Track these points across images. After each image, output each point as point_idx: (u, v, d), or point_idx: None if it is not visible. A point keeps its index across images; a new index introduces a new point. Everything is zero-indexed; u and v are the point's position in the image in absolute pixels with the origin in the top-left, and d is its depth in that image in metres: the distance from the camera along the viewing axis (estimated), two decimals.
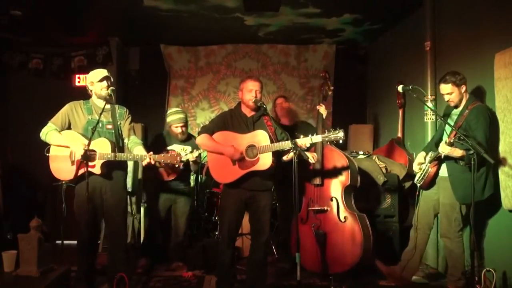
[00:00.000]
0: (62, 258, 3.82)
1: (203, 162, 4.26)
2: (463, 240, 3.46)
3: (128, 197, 4.93)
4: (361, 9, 4.95)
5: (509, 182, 3.17)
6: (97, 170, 3.30)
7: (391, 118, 5.40)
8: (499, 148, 3.27)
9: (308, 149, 3.97)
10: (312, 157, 3.68)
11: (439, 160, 3.45)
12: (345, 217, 3.68)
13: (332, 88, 4.06)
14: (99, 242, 4.32)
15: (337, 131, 3.09)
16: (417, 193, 3.69)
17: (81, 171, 3.25)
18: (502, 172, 3.24)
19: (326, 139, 3.13)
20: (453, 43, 4.04)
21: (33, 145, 3.66)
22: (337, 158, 3.83)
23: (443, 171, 3.48)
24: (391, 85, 4.98)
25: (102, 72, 3.46)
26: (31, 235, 3.02)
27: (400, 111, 5.04)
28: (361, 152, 4.85)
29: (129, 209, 5.00)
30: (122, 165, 3.54)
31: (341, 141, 3.16)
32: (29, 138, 3.66)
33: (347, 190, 3.78)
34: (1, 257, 3.11)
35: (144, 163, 3.33)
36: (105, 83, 3.40)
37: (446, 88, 3.39)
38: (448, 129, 3.50)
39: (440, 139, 3.58)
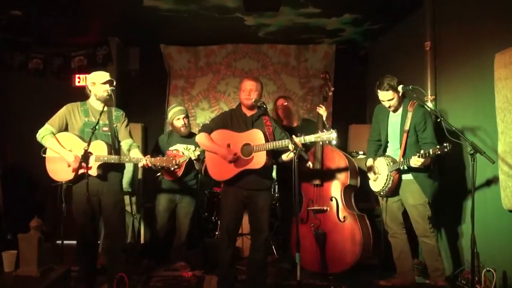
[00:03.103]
0: (62, 258, 3.82)
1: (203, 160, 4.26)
2: None
3: (128, 197, 4.95)
4: (361, 9, 4.94)
5: (509, 182, 3.17)
6: (93, 172, 3.32)
7: None
8: (499, 148, 3.27)
9: (307, 150, 3.98)
10: (311, 162, 3.70)
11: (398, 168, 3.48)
12: (344, 217, 3.68)
13: (332, 89, 4.07)
14: (98, 242, 4.32)
15: (330, 132, 3.09)
16: (382, 202, 3.70)
17: (79, 172, 3.27)
18: (502, 172, 3.24)
19: (319, 139, 3.14)
20: (453, 43, 4.04)
21: (33, 145, 3.66)
22: (337, 159, 3.84)
23: (406, 175, 3.50)
24: None
25: (106, 75, 3.49)
26: (31, 235, 3.02)
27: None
28: (361, 152, 4.85)
29: (129, 209, 5.02)
30: (119, 167, 3.56)
31: (334, 142, 3.21)
32: (29, 138, 3.66)
33: (347, 190, 3.78)
34: (1, 257, 3.11)
35: (140, 165, 3.38)
36: (107, 86, 3.44)
37: (387, 95, 3.42)
38: (393, 130, 3.54)
39: (387, 142, 3.62)
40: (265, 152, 3.19)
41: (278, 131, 3.34)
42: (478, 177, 3.39)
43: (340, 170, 3.79)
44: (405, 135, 3.43)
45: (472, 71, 3.71)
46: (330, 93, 4.09)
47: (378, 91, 3.46)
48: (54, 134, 3.44)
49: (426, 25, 4.31)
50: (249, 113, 3.39)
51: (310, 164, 3.64)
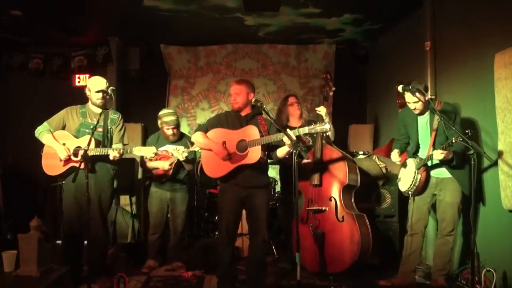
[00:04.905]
0: (62, 258, 3.82)
1: (198, 160, 4.26)
2: None
3: (128, 197, 4.96)
4: (361, 9, 4.95)
5: (509, 182, 3.17)
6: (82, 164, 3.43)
7: (391, 118, 5.40)
8: (499, 148, 3.27)
9: (309, 149, 3.98)
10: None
11: (426, 164, 3.49)
12: (343, 217, 3.68)
13: (333, 89, 4.06)
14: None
15: (323, 123, 3.11)
16: (409, 201, 3.71)
17: (66, 168, 3.54)
18: (502, 172, 3.24)
19: (313, 130, 3.14)
20: (453, 43, 4.04)
21: (33, 145, 3.70)
22: (336, 158, 3.83)
23: (441, 172, 3.51)
24: (391, 85, 4.97)
25: (101, 84, 3.61)
26: (31, 235, 3.02)
27: (400, 111, 5.02)
28: (361, 152, 4.85)
29: (128, 209, 5.02)
30: (107, 163, 3.69)
31: (328, 133, 3.35)
32: (29, 138, 3.70)
33: (346, 190, 3.78)
34: (1, 257, 3.11)
35: (112, 157, 3.48)
36: (100, 94, 3.59)
37: (413, 97, 3.42)
38: (423, 131, 3.55)
39: (418, 147, 3.63)
40: (259, 147, 3.20)
41: (274, 129, 3.36)
42: (478, 177, 3.41)
43: (339, 169, 3.79)
44: (433, 133, 3.45)
45: (472, 71, 3.71)
46: (331, 93, 4.08)
47: (405, 92, 3.46)
48: (51, 132, 3.61)
49: (426, 25, 4.31)
50: (243, 113, 3.42)
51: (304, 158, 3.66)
